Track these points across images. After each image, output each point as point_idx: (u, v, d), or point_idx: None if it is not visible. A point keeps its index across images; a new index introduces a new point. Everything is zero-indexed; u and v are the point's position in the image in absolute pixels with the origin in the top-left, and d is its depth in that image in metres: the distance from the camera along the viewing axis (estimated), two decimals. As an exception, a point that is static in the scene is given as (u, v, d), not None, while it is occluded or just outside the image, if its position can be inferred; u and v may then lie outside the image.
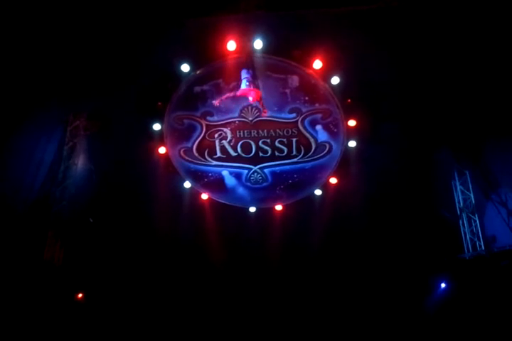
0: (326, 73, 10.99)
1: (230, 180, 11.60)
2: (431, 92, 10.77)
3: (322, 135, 11.38)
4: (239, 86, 9.71)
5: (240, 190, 11.65)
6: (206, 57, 10.89)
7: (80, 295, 10.68)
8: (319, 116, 11.29)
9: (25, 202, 10.41)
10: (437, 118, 11.02)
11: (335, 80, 11.01)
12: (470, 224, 11.12)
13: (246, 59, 10.36)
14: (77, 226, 10.81)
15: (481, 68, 10.27)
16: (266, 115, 10.63)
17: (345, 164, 11.45)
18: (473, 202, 11.17)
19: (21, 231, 10.03)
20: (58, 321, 9.85)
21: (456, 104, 10.78)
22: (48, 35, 10.06)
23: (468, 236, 11.07)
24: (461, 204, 11.26)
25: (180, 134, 11.44)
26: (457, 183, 11.33)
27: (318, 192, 11.65)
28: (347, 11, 10.05)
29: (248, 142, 11.40)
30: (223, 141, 11.40)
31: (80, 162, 10.97)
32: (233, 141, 11.39)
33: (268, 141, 11.38)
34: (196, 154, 11.46)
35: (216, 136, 11.37)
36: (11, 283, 9.51)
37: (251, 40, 10.64)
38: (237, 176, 11.61)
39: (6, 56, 9.88)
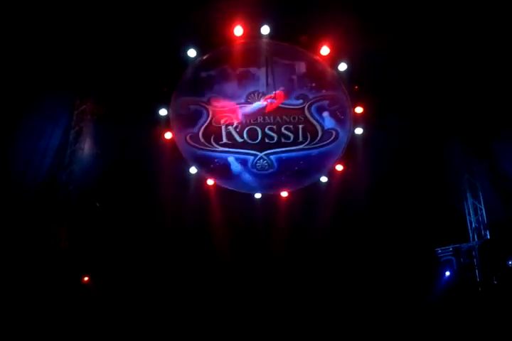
0: (334, 59, 10.95)
1: (235, 166, 11.56)
2: (440, 80, 10.70)
3: (329, 122, 11.33)
4: None
5: (246, 177, 11.61)
6: (213, 42, 10.87)
7: (86, 279, 10.75)
8: (326, 102, 11.25)
9: (32, 186, 10.45)
10: (445, 106, 10.95)
11: (342, 67, 10.95)
12: (476, 213, 11.08)
13: None
14: (83, 211, 10.84)
15: (493, 56, 10.16)
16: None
17: (351, 151, 11.41)
18: (480, 190, 11.10)
19: (28, 214, 10.08)
20: (64, 304, 9.93)
21: (466, 93, 10.69)
22: (54, 20, 10.05)
23: (473, 225, 11.04)
24: (468, 192, 11.20)
25: (187, 120, 11.40)
26: (464, 172, 11.25)
27: (324, 179, 11.61)
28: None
29: (254, 128, 11.35)
30: (229, 127, 11.35)
31: (86, 146, 10.94)
32: (239, 127, 11.34)
33: (274, 127, 11.32)
34: (202, 140, 11.41)
35: (222, 121, 11.33)
36: (17, 265, 9.58)
37: (258, 26, 10.58)
38: (243, 162, 11.55)
39: (11, 41, 9.87)
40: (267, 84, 11.15)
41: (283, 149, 11.47)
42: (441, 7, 9.90)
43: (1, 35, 9.64)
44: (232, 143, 11.42)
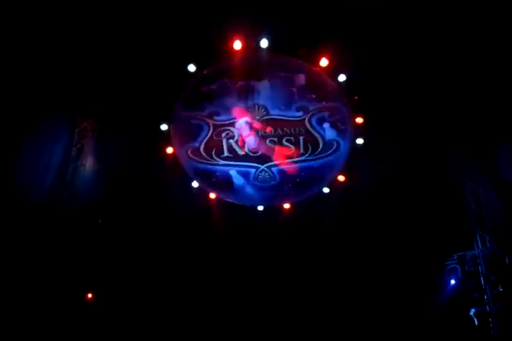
0: (333, 70, 10.97)
1: (237, 179, 11.56)
2: (441, 88, 10.69)
3: (330, 133, 11.33)
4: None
5: (248, 189, 11.60)
6: (212, 57, 10.88)
7: (90, 296, 10.71)
8: (327, 113, 11.25)
9: (35, 202, 10.42)
10: (447, 114, 10.94)
11: (342, 78, 10.98)
12: (479, 220, 11.05)
13: None
14: (86, 227, 10.80)
15: (494, 64, 10.19)
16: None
17: (353, 162, 11.42)
18: (482, 197, 11.10)
19: (31, 231, 10.04)
20: (67, 321, 9.90)
21: (468, 101, 10.68)
22: (54, 38, 10.07)
23: (477, 232, 11.02)
24: (471, 200, 11.18)
25: (188, 134, 11.40)
26: (466, 179, 11.24)
27: (326, 190, 11.63)
28: (353, 8, 10.02)
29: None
30: (230, 140, 11.36)
31: (88, 163, 10.97)
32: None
33: (275, 139, 11.32)
34: (204, 154, 11.41)
35: (223, 135, 11.32)
36: (20, 282, 9.54)
37: (257, 39, 10.63)
38: (245, 175, 11.55)
39: (12, 58, 9.88)
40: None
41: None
42: (442, 16, 9.91)
43: (3, 53, 9.65)
44: (234, 157, 11.42)
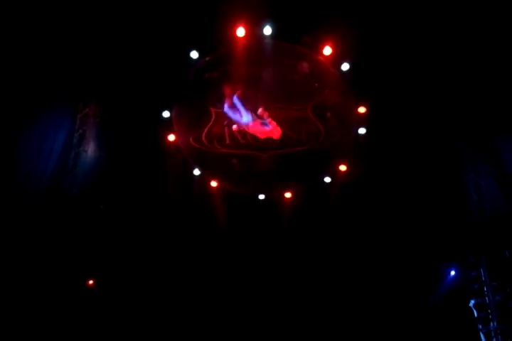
0: (336, 59, 10.89)
1: (239, 168, 11.56)
2: (444, 80, 10.63)
3: (332, 122, 11.29)
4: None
5: (249, 178, 11.59)
6: (215, 44, 10.82)
7: (91, 282, 10.76)
8: (329, 102, 11.18)
9: (37, 189, 10.44)
10: (449, 106, 10.89)
11: (345, 66, 10.91)
12: (481, 212, 11.00)
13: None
14: (87, 213, 10.82)
15: (497, 56, 10.12)
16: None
17: (354, 151, 11.36)
18: (485, 190, 11.05)
19: (33, 217, 10.07)
20: (68, 307, 9.94)
21: (470, 93, 10.62)
22: (56, 25, 10.02)
23: (478, 224, 10.95)
24: (473, 192, 11.13)
25: (190, 121, 11.36)
26: (470, 172, 11.17)
27: (327, 179, 11.61)
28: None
29: (258, 129, 11.31)
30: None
31: (90, 149, 10.94)
32: (242, 128, 11.30)
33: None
34: (205, 141, 11.39)
35: (225, 123, 11.25)
36: (21, 269, 9.58)
37: (260, 26, 10.56)
38: (247, 163, 11.53)
39: (14, 45, 9.86)
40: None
41: (286, 150, 11.44)
42: (445, 8, 9.83)
43: (5, 40, 9.63)
44: (236, 145, 11.39)
